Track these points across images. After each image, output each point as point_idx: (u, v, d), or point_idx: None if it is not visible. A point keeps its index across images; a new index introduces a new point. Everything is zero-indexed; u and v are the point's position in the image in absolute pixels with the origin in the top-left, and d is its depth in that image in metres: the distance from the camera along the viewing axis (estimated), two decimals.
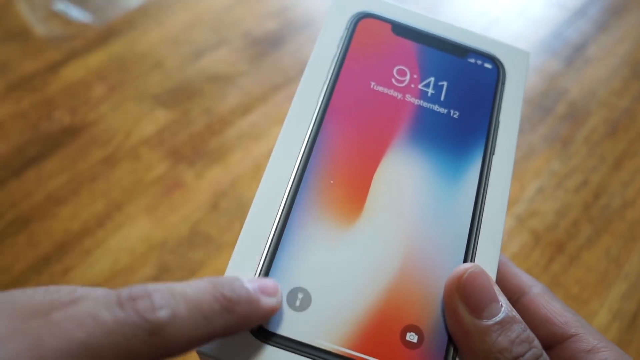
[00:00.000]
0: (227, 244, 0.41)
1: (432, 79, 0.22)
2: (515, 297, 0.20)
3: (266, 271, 0.18)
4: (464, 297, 0.17)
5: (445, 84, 0.22)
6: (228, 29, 0.59)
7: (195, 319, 0.14)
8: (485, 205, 0.20)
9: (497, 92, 0.23)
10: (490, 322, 0.16)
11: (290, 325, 0.17)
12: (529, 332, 0.17)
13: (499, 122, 0.22)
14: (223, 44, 0.57)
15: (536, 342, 0.17)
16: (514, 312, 0.17)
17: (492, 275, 0.18)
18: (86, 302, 0.14)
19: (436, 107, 0.22)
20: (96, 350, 0.13)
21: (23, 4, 0.61)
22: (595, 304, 0.38)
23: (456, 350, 0.17)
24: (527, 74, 0.24)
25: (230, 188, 0.46)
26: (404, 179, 0.20)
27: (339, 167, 0.20)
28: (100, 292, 0.15)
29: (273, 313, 0.16)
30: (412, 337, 0.17)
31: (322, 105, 0.21)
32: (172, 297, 0.14)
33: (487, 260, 0.19)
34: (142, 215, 0.45)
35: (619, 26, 0.60)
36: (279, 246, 0.18)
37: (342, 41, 0.23)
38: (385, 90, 0.22)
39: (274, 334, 0.17)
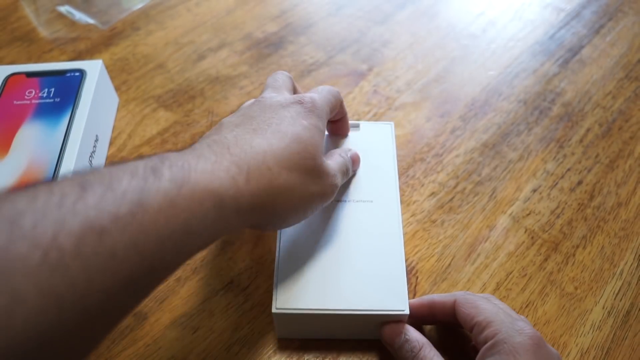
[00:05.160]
0: (229, 242, 0.42)
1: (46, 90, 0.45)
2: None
3: None
4: None
5: (53, 89, 0.45)
6: (229, 32, 0.60)
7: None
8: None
9: (79, 87, 0.45)
10: None
11: None
12: None
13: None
14: (224, 46, 0.58)
15: None
16: None
17: None
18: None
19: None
20: None
21: (28, 6, 0.62)
22: (590, 301, 0.39)
23: None
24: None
25: None
26: None
27: None
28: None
29: None
30: None
31: None
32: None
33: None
34: None
35: (613, 28, 0.61)
36: None
37: None
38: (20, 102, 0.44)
39: None
